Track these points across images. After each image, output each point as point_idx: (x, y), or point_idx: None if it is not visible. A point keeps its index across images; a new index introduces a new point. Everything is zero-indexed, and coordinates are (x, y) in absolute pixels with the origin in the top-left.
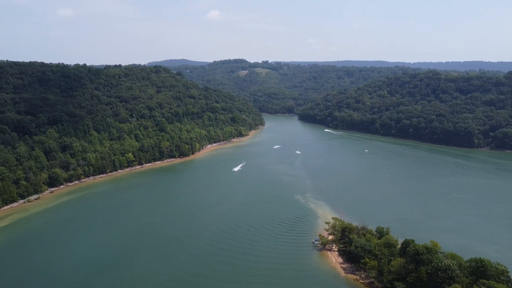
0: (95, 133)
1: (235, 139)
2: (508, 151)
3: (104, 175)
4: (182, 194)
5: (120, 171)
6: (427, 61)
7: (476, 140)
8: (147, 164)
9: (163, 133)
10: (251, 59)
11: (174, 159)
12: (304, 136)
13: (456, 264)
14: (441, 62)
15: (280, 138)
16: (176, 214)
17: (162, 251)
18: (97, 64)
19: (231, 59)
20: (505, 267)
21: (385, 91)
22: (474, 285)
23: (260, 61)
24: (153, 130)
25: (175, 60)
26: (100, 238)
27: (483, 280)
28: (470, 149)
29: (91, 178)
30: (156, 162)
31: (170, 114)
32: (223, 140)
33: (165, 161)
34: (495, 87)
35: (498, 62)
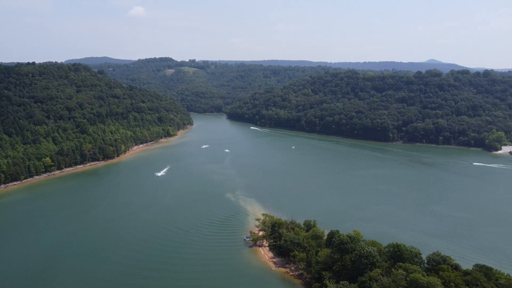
0: (6, 137)
1: (163, 140)
2: (418, 144)
3: (18, 182)
4: (106, 199)
5: (36, 177)
6: (346, 61)
7: (391, 135)
8: (68, 169)
9: (85, 135)
10: (178, 58)
11: (98, 162)
12: (233, 135)
13: (376, 251)
14: (359, 62)
15: (209, 137)
16: (99, 220)
17: (84, 261)
18: (6, 62)
19: (157, 57)
20: (418, 250)
21: (309, 90)
22: (392, 269)
23: (187, 60)
24: (73, 132)
25: (96, 57)
26: (16, 252)
27: (400, 263)
28: (386, 143)
29: (2, 186)
30: (78, 166)
31: (92, 115)
32: (151, 141)
33: (88, 164)
34: (406, 86)
35: (408, 62)
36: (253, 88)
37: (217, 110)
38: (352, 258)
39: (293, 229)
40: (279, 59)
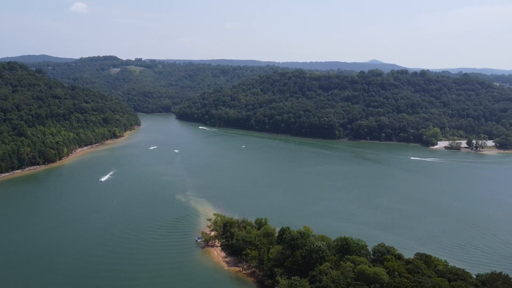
0: None
1: (109, 141)
2: (362, 140)
3: None
4: (47, 205)
5: None
6: (294, 61)
7: (337, 132)
8: (4, 174)
9: (23, 138)
10: (124, 57)
11: (38, 166)
12: (183, 135)
13: (326, 245)
14: (306, 62)
15: (158, 138)
16: (40, 228)
17: (24, 271)
18: None
19: (101, 56)
20: (364, 242)
21: (258, 89)
22: (341, 261)
23: (133, 59)
24: (9, 135)
25: (34, 56)
26: None
27: (348, 256)
28: (333, 140)
29: None
30: (16, 171)
31: (30, 116)
32: (96, 143)
33: (27, 169)
34: (350, 85)
35: (352, 62)
36: (202, 88)
37: (166, 110)
38: (303, 254)
39: (244, 227)
40: (228, 59)
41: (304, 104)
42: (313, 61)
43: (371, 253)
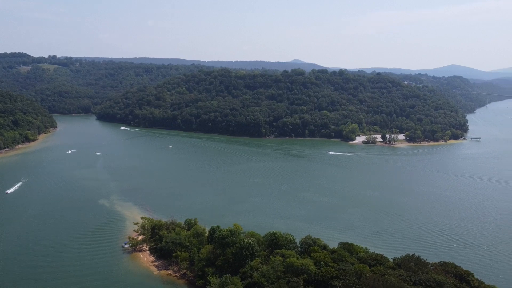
0: None
1: (20, 146)
2: (288, 137)
3: None
4: None
5: None
6: (219, 60)
7: (263, 130)
8: None
9: None
10: (35, 53)
11: None
12: (105, 137)
13: (256, 241)
14: (231, 61)
15: (77, 141)
16: None
17: None
18: None
19: (8, 52)
20: (292, 236)
21: (184, 88)
22: (270, 256)
23: (46, 56)
24: None
25: None
26: None
27: (277, 250)
28: (260, 138)
29: None
30: None
31: None
32: (5, 148)
33: None
34: (275, 84)
35: (276, 62)
36: (124, 87)
37: (85, 110)
38: (234, 251)
39: (174, 229)
40: (152, 57)
41: (230, 102)
42: (238, 60)
43: (299, 245)
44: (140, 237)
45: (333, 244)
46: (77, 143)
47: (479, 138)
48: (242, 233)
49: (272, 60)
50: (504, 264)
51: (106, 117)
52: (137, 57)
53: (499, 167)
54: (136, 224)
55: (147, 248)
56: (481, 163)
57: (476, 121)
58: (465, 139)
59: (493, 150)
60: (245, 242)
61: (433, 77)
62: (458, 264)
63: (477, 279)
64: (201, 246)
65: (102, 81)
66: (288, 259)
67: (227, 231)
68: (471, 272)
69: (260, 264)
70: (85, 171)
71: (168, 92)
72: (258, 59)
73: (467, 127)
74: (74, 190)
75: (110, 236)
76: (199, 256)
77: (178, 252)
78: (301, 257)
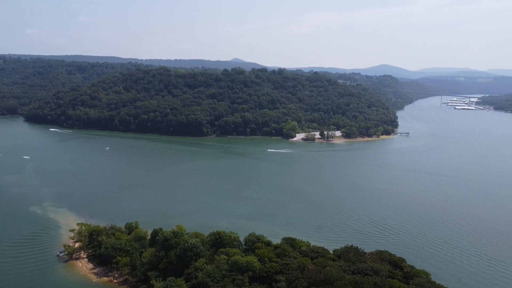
0: None
1: None
2: (229, 136)
3: None
4: None
5: None
6: (157, 58)
7: (205, 129)
8: None
9: None
10: None
11: None
12: (35, 139)
13: (200, 241)
14: (170, 60)
15: (1, 144)
16: None
17: None
18: None
19: None
20: (236, 234)
21: (121, 87)
22: (215, 255)
23: None
24: None
25: None
26: None
27: (222, 249)
28: (201, 137)
29: None
30: None
31: None
32: None
33: None
34: (215, 83)
35: (215, 61)
36: (55, 86)
37: (11, 112)
38: (177, 253)
39: (113, 234)
40: (85, 55)
41: (170, 102)
42: (178, 58)
43: (243, 243)
44: (76, 245)
45: (276, 240)
46: (2, 147)
47: (408, 133)
48: (186, 234)
49: (212, 59)
50: (429, 249)
51: (35, 119)
52: (69, 54)
53: (425, 159)
54: (72, 231)
55: (85, 256)
56: (409, 156)
57: (405, 117)
58: (395, 134)
59: (420, 144)
60: (189, 243)
61: (366, 76)
62: (392, 252)
63: (409, 265)
64: (143, 250)
65: (30, 80)
66: (232, 258)
67: (170, 233)
68: (404, 258)
69: (205, 264)
70: (13, 177)
71: (104, 92)
72: (198, 58)
73: (397, 123)
74: (0, 198)
75: (43, 246)
76: (141, 260)
77: (119, 258)
78: (245, 255)
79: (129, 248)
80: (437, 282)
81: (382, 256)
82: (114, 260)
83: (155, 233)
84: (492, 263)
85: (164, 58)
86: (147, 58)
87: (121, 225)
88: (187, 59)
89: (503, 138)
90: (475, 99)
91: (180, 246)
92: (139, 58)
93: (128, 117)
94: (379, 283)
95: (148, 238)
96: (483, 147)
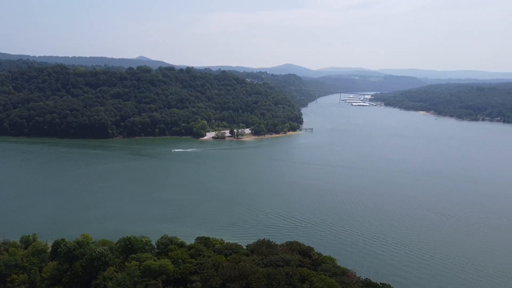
0: None
1: None
2: (137, 137)
3: None
4: None
5: None
6: (53, 55)
7: (110, 131)
8: None
9: None
10: None
11: None
12: None
13: (108, 249)
14: (68, 57)
15: None
16: None
17: None
18: None
19: None
20: (148, 238)
21: (10, 87)
22: (126, 262)
23: None
24: None
25: None
26: None
27: (133, 255)
28: (106, 139)
29: None
30: None
31: None
32: None
33: None
34: (120, 81)
35: (119, 58)
36: None
37: None
38: (83, 264)
39: (7, 250)
40: None
41: (70, 102)
42: (76, 56)
43: (156, 247)
44: None
45: (190, 240)
46: None
47: (312, 129)
48: (92, 242)
49: (116, 57)
50: (334, 236)
51: None
52: None
53: (328, 152)
54: None
55: None
56: (314, 150)
57: (308, 114)
58: (301, 130)
59: (323, 138)
60: (96, 252)
61: (272, 75)
62: (301, 242)
63: (317, 253)
64: (44, 265)
65: None
66: (144, 263)
67: (74, 243)
68: (312, 247)
69: (115, 272)
70: None
71: None
72: (100, 55)
73: (302, 119)
74: None
75: None
76: (41, 276)
77: (14, 275)
78: (158, 259)
79: (26, 264)
80: (342, 266)
81: (292, 246)
82: (8, 279)
83: (56, 245)
84: (387, 244)
85: (60, 55)
86: (41, 54)
87: (16, 239)
88: (88, 56)
89: (392, 130)
90: (369, 96)
91: (86, 256)
92: (31, 55)
93: (20, 119)
94: (290, 272)
95: (49, 251)
96: (376, 139)
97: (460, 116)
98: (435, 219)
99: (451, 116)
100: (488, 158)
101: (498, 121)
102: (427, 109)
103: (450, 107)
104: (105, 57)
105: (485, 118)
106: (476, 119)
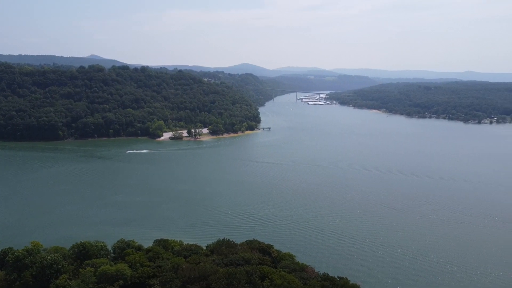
0: None
1: None
2: (90, 138)
3: None
4: None
5: None
6: None
7: (61, 133)
8: None
9: None
10: None
11: None
12: None
13: (60, 256)
14: (13, 55)
15: None
16: None
17: None
18: None
19: None
20: (103, 242)
21: None
22: (80, 269)
23: None
24: None
25: None
26: None
27: (87, 261)
28: (57, 141)
29: None
30: None
31: None
32: None
33: None
34: (70, 81)
35: (69, 57)
36: None
37: None
38: (34, 273)
39: None
40: None
41: (15, 103)
42: (22, 54)
43: (112, 251)
44: None
45: (148, 243)
46: None
47: (269, 128)
48: (43, 250)
49: (65, 55)
50: (293, 233)
51: None
52: None
53: (285, 151)
54: None
55: None
56: (271, 149)
57: (266, 113)
58: (259, 129)
59: (280, 137)
60: (47, 260)
61: (229, 74)
62: (261, 240)
63: (276, 250)
64: None
65: None
66: (100, 268)
67: (24, 251)
68: (271, 245)
69: (68, 280)
70: None
71: None
72: (48, 54)
73: (260, 118)
74: None
75: None
76: None
77: None
78: (114, 263)
79: None
80: (301, 262)
81: (251, 245)
82: None
83: (3, 253)
84: (343, 239)
85: (4, 53)
86: None
87: None
88: (35, 54)
89: (346, 128)
90: (324, 95)
91: (36, 264)
92: None
93: None
94: (251, 271)
95: None
96: (332, 137)
97: (409, 114)
98: (388, 213)
99: (401, 114)
100: (435, 152)
101: (443, 118)
102: (379, 108)
103: (400, 105)
104: (54, 56)
105: (432, 115)
106: (424, 117)
